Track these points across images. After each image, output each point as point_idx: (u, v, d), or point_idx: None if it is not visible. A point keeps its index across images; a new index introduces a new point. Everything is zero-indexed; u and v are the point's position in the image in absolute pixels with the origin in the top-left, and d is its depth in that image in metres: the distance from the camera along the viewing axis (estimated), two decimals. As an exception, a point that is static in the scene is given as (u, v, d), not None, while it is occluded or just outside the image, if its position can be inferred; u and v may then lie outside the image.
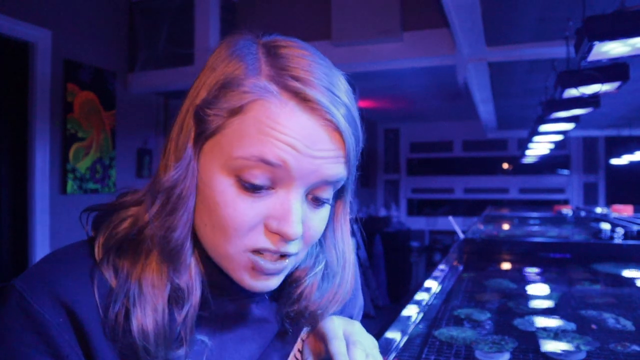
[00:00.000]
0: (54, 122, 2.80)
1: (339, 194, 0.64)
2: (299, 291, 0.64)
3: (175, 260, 0.55)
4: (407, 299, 1.43)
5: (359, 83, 5.64)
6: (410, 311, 1.30)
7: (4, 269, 2.62)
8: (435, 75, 5.10)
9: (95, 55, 3.12)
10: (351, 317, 0.78)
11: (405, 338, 1.13)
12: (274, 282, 0.57)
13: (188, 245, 0.56)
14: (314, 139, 0.52)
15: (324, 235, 0.64)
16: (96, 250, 0.56)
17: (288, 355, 0.66)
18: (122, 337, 0.52)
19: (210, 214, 0.54)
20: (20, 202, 2.68)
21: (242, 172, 0.52)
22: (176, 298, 0.55)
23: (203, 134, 0.54)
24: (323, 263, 0.66)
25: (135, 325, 0.52)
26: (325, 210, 0.58)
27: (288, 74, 0.53)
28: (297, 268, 0.64)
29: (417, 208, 8.71)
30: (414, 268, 7.43)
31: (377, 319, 6.04)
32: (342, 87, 0.56)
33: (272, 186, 0.53)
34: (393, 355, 1.05)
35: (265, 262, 0.54)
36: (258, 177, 0.51)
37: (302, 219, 0.53)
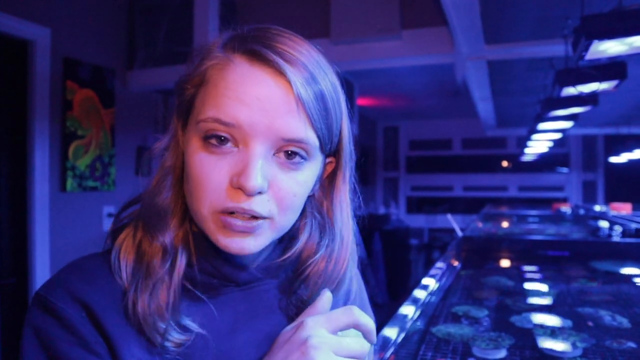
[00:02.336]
0: (53, 120, 2.80)
1: (334, 170, 0.66)
2: (308, 271, 0.66)
3: (158, 223, 0.60)
4: (406, 296, 1.43)
5: (358, 81, 5.64)
6: (408, 308, 1.31)
7: (4, 267, 2.62)
8: (435, 73, 5.11)
9: (95, 53, 3.12)
10: None
11: (403, 335, 1.14)
12: (250, 243, 0.58)
13: (170, 209, 0.60)
14: (264, 92, 0.55)
15: (325, 213, 0.67)
16: (116, 247, 0.61)
17: None
18: (136, 324, 0.57)
19: (187, 179, 0.58)
20: (19, 200, 2.68)
21: (205, 134, 0.56)
22: (164, 259, 0.59)
23: (182, 107, 0.61)
24: (327, 245, 0.67)
25: (139, 307, 0.56)
26: (301, 174, 0.59)
27: (248, 41, 0.57)
28: (303, 250, 0.67)
29: (416, 206, 8.72)
30: (413, 266, 7.44)
31: (376, 317, 6.03)
32: (316, 59, 0.59)
33: (235, 144, 0.56)
34: (391, 351, 1.06)
35: (233, 220, 0.56)
36: (215, 136, 0.55)
37: (269, 178, 0.56)
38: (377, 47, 2.99)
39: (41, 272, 2.71)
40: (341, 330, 0.57)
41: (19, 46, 2.66)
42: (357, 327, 0.58)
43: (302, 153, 0.58)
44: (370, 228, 6.63)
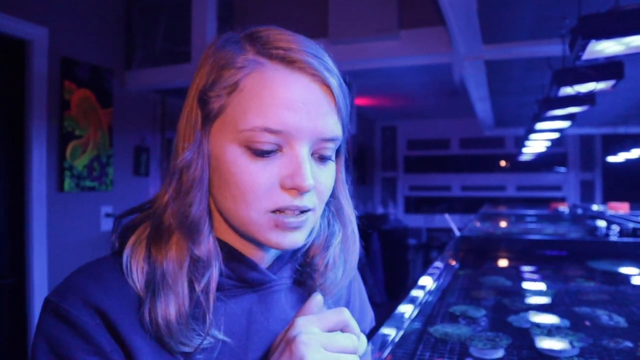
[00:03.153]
0: (50, 120, 2.80)
1: (336, 159, 0.68)
2: (324, 262, 0.68)
3: (194, 233, 0.59)
4: (404, 296, 1.43)
5: (356, 81, 5.64)
6: (406, 308, 1.31)
7: (2, 267, 2.62)
8: (433, 73, 5.11)
9: (92, 52, 3.12)
10: (363, 332, 0.79)
11: (400, 334, 1.14)
12: (299, 237, 0.61)
13: (205, 219, 0.61)
14: (307, 96, 0.57)
15: (333, 202, 0.71)
16: (127, 251, 0.60)
17: None
18: (154, 332, 0.56)
19: (229, 186, 0.58)
20: (17, 200, 2.68)
21: (250, 142, 0.57)
22: (196, 271, 0.59)
23: (209, 116, 0.60)
24: (340, 232, 0.71)
25: (160, 316, 0.56)
26: (330, 168, 0.63)
27: (272, 46, 0.59)
28: (314, 242, 0.69)
29: (414, 205, 8.72)
30: (411, 265, 7.45)
31: (375, 316, 6.04)
32: (327, 55, 0.62)
33: (279, 149, 0.58)
34: (388, 351, 1.06)
35: (287, 217, 0.58)
36: (265, 144, 0.56)
37: (312, 175, 0.58)
38: (375, 46, 2.99)
39: (39, 272, 2.71)
40: (331, 330, 0.57)
41: (16, 46, 2.66)
42: (346, 329, 0.58)
43: (333, 149, 0.62)
44: (368, 228, 6.63)
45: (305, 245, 0.69)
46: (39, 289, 2.71)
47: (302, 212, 0.59)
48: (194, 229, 0.60)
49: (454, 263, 2.19)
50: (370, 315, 0.86)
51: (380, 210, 7.73)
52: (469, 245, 2.54)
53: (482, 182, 8.30)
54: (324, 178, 0.61)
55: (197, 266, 0.59)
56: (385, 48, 2.98)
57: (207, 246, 0.60)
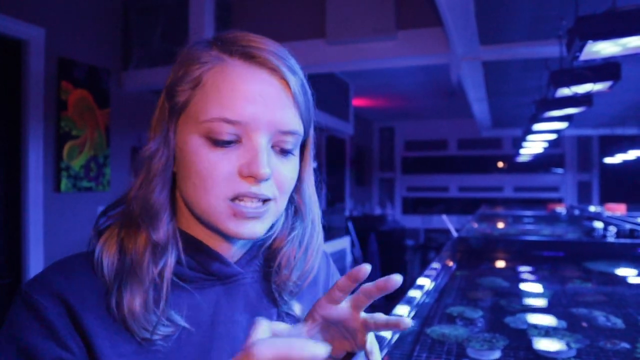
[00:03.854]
0: (47, 120, 2.79)
1: (301, 155, 0.70)
2: (280, 256, 0.70)
3: (153, 219, 0.62)
4: (401, 297, 1.43)
5: (353, 81, 5.64)
6: (403, 309, 1.31)
7: (-2, 268, 2.61)
8: (430, 74, 5.12)
9: (89, 53, 3.11)
10: None
11: (397, 336, 1.14)
12: (258, 227, 0.62)
13: (166, 206, 0.63)
14: (265, 89, 0.60)
15: (295, 196, 0.72)
16: (99, 247, 0.63)
17: None
18: (120, 318, 0.59)
19: (190, 175, 0.61)
20: (14, 201, 2.67)
21: (210, 133, 0.59)
22: (155, 257, 0.62)
23: (175, 109, 0.63)
24: (301, 227, 0.72)
25: (125, 302, 0.59)
26: (292, 161, 0.65)
27: (234, 44, 0.62)
28: (277, 236, 0.71)
29: (412, 206, 8.72)
30: (408, 266, 7.45)
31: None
32: (290, 56, 0.65)
33: (238, 139, 0.60)
34: (385, 352, 1.06)
35: (244, 206, 0.60)
36: (223, 134, 0.59)
37: (270, 166, 0.60)
38: (372, 47, 2.99)
39: (36, 273, 2.70)
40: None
41: (13, 46, 2.65)
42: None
43: (294, 143, 0.64)
44: (366, 229, 6.64)
45: (269, 239, 0.71)
46: (36, 289, 2.69)
47: (263, 201, 0.61)
48: (154, 215, 0.62)
49: (451, 264, 2.19)
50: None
51: (377, 211, 7.73)
52: (466, 246, 2.54)
53: (480, 183, 8.32)
54: (284, 170, 0.63)
55: (155, 252, 0.62)
56: (382, 49, 2.98)
57: (165, 233, 0.63)
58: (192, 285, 0.65)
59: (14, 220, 2.67)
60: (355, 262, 6.28)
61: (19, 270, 2.68)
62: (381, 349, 1.04)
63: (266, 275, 0.72)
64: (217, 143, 0.60)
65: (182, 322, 0.62)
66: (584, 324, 1.34)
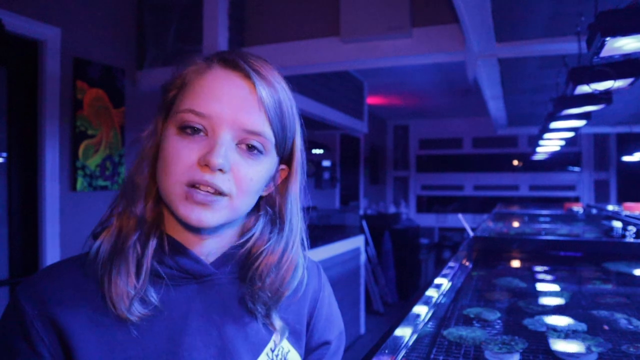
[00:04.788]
0: (63, 120, 2.81)
1: (288, 176, 0.76)
2: (255, 265, 0.73)
3: (134, 195, 0.70)
4: (417, 296, 1.41)
5: (368, 79, 5.62)
6: (420, 309, 1.29)
7: (16, 266, 2.64)
8: (445, 72, 5.08)
9: (104, 52, 3.12)
10: (328, 343, 0.83)
11: (415, 337, 1.12)
12: (208, 216, 0.66)
13: (143, 186, 0.70)
14: (233, 90, 0.67)
15: (277, 208, 0.76)
16: (97, 241, 0.70)
17: (254, 344, 0.72)
18: (110, 300, 0.64)
19: (161, 160, 0.68)
20: (30, 200, 2.70)
21: (180, 122, 0.66)
22: (140, 235, 0.68)
23: (165, 104, 0.72)
24: (276, 239, 0.76)
25: (115, 281, 0.64)
26: (258, 164, 0.69)
27: (225, 54, 0.70)
28: (254, 243, 0.75)
29: (426, 205, 8.67)
30: (423, 265, 7.41)
31: (386, 316, 6.02)
32: (274, 72, 0.71)
33: (205, 132, 0.66)
34: (402, 354, 1.04)
35: (196, 192, 0.65)
36: (190, 122, 0.66)
37: (231, 161, 0.66)
38: (387, 45, 2.97)
39: (51, 271, 2.72)
40: None
41: (29, 46, 2.67)
42: None
43: (260, 147, 0.69)
44: (380, 227, 6.61)
45: (246, 242, 0.74)
46: (52, 287, 2.72)
47: (217, 193, 0.65)
48: (134, 191, 0.70)
49: (467, 264, 2.17)
50: (340, 328, 0.88)
51: (392, 209, 7.69)
52: (482, 245, 2.51)
53: (495, 182, 8.24)
54: (245, 168, 0.68)
55: (142, 230, 0.68)
56: (397, 46, 2.96)
57: (143, 208, 0.69)
58: (170, 282, 0.69)
59: (30, 219, 2.70)
60: (369, 260, 6.26)
61: (36, 269, 2.71)
62: (398, 351, 1.03)
63: (242, 281, 0.74)
64: (184, 131, 0.66)
65: (156, 302, 0.66)
66: (605, 327, 1.31)
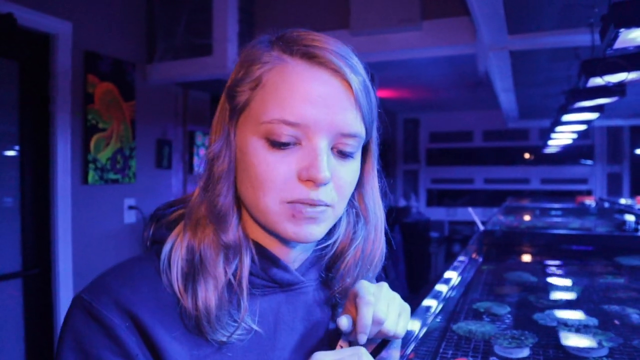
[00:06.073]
0: (74, 114, 2.83)
1: (364, 158, 0.68)
2: (343, 263, 0.69)
3: (222, 221, 0.62)
4: (427, 289, 1.41)
5: (378, 73, 5.59)
6: (429, 303, 1.29)
7: (28, 258, 2.67)
8: (456, 65, 5.03)
9: (115, 46, 3.14)
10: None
11: (424, 330, 1.12)
12: (316, 230, 0.61)
13: (233, 208, 0.63)
14: (326, 90, 0.58)
15: (357, 201, 0.70)
16: (167, 247, 0.63)
17: (333, 347, 0.68)
18: (194, 320, 0.58)
19: (249, 176, 0.60)
20: (42, 193, 2.72)
21: (269, 134, 0.58)
22: (227, 257, 0.62)
23: (235, 110, 0.62)
24: (363, 232, 0.71)
25: (200, 300, 0.58)
26: (352, 164, 0.63)
27: (295, 43, 0.61)
28: (339, 243, 0.70)
29: (436, 198, 8.64)
30: (433, 259, 7.39)
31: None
32: (353, 55, 0.63)
33: (298, 142, 0.59)
34: (411, 347, 1.04)
35: (303, 207, 0.59)
36: (283, 135, 0.58)
37: (330, 169, 0.59)
38: (397, 38, 2.95)
39: (64, 263, 2.75)
40: None
41: (41, 40, 2.69)
42: None
43: (355, 146, 0.62)
44: (390, 221, 6.59)
45: (329, 246, 0.69)
46: (64, 279, 2.75)
47: (323, 205, 0.60)
48: (222, 218, 0.62)
49: (477, 257, 2.16)
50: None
51: (402, 203, 7.68)
52: (492, 239, 2.49)
53: (506, 175, 8.18)
54: (344, 174, 0.61)
55: (228, 254, 0.61)
56: (407, 39, 2.94)
57: (235, 234, 0.62)
58: (256, 291, 0.65)
59: (43, 211, 2.73)
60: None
61: (48, 261, 2.74)
62: (407, 345, 1.03)
63: (326, 283, 0.71)
64: (276, 145, 0.58)
65: (255, 327, 0.61)
66: (617, 322, 1.30)
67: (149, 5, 3.40)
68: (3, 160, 2.61)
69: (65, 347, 0.57)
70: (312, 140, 0.58)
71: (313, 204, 0.59)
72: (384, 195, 0.76)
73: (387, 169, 8.53)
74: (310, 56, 0.59)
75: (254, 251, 0.64)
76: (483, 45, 2.83)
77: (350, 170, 0.63)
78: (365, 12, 2.94)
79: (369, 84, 0.63)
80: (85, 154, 2.90)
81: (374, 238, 0.72)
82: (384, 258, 0.75)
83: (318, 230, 0.61)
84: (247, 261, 0.62)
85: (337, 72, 0.59)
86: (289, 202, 0.59)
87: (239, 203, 0.65)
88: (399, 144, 8.67)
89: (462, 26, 2.80)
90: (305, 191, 0.58)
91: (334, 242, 0.70)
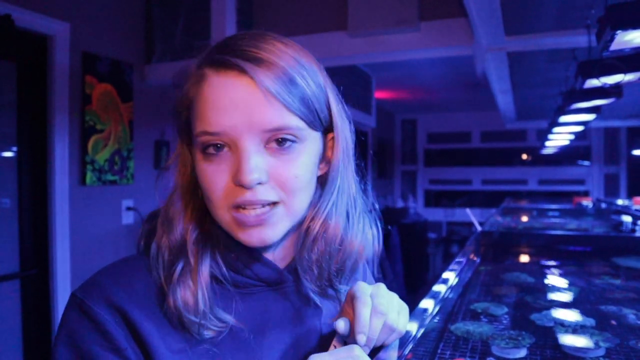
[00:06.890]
0: (72, 114, 2.83)
1: (325, 131, 0.68)
2: (311, 238, 0.67)
3: (170, 228, 0.65)
4: (425, 290, 1.41)
5: (376, 74, 5.60)
6: (427, 304, 1.29)
7: (26, 258, 2.66)
8: (453, 66, 5.04)
9: (113, 47, 3.13)
10: None
11: (422, 331, 1.12)
12: (267, 233, 0.61)
13: (179, 217, 0.66)
14: (235, 93, 0.59)
15: (325, 177, 0.69)
16: (154, 247, 0.66)
17: (325, 347, 0.68)
18: (177, 317, 0.60)
19: (202, 189, 0.63)
20: (40, 194, 2.72)
21: (201, 147, 0.61)
22: (188, 257, 0.64)
23: (182, 130, 0.67)
24: (328, 204, 0.68)
25: (179, 298, 0.60)
26: (298, 155, 0.62)
27: (209, 53, 0.63)
28: (305, 219, 0.68)
29: (434, 199, 8.65)
30: (430, 259, 7.40)
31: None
32: (273, 46, 0.62)
33: (228, 148, 0.60)
34: (409, 348, 1.05)
35: (245, 215, 0.60)
36: (210, 147, 0.60)
37: (266, 168, 0.60)
38: (394, 39, 2.96)
39: (62, 264, 2.75)
40: None
41: (38, 41, 2.69)
42: None
43: (291, 138, 0.61)
44: (388, 222, 6.59)
45: (314, 225, 0.68)
46: (62, 279, 2.75)
47: (269, 205, 0.61)
48: (170, 226, 0.65)
49: (475, 258, 2.16)
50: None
51: (400, 204, 7.68)
52: (490, 240, 2.50)
53: (503, 176, 8.20)
54: (284, 169, 0.61)
55: (181, 257, 0.64)
56: (405, 40, 2.94)
57: (178, 240, 0.65)
58: (243, 290, 0.66)
59: (40, 212, 2.72)
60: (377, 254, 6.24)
61: (46, 262, 2.73)
62: (405, 345, 1.03)
63: (316, 281, 0.69)
64: (207, 156, 0.61)
65: (232, 321, 0.63)
66: (613, 322, 1.30)
67: (147, 6, 3.40)
68: (1, 162, 2.60)
69: (60, 342, 0.59)
70: (237, 144, 0.59)
71: (252, 204, 0.59)
72: (364, 192, 0.77)
73: (384, 170, 8.56)
74: (220, 63, 0.60)
75: (216, 251, 0.66)
76: (480, 47, 2.84)
77: (293, 163, 0.62)
78: (362, 13, 2.95)
79: (298, 69, 0.62)
80: (83, 155, 2.89)
81: (348, 200, 0.71)
82: (372, 247, 0.76)
83: (272, 233, 0.62)
84: (204, 262, 0.64)
85: (243, 71, 0.59)
86: (234, 209, 0.60)
87: (198, 211, 0.67)
88: (397, 145, 8.68)
89: (459, 27, 2.81)
90: (242, 194, 0.59)
91: (315, 226, 0.67)
